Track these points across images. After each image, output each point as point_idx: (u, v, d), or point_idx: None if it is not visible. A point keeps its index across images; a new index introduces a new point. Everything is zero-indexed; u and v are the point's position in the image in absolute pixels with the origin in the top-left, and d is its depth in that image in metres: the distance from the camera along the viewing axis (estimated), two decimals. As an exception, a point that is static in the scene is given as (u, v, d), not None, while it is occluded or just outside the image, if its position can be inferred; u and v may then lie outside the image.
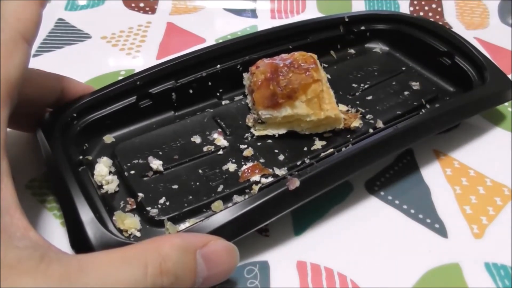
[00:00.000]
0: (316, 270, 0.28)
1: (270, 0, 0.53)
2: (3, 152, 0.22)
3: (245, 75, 0.36)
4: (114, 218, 0.28)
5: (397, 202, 0.33)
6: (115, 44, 0.46)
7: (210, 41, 0.48)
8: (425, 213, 0.32)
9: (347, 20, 0.42)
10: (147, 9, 0.51)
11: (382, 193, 0.33)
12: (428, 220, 0.31)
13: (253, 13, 0.52)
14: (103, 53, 0.45)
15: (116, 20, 0.49)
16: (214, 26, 0.50)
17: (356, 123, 0.35)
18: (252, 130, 0.34)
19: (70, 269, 0.19)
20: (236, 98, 0.38)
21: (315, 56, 0.34)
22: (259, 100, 0.33)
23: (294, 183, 0.27)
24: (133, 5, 0.51)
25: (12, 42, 0.23)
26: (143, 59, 0.45)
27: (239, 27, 0.50)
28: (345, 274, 0.28)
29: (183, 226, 0.28)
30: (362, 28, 0.44)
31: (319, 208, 0.32)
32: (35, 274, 0.18)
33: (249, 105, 0.36)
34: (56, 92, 0.31)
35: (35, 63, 0.42)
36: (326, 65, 0.41)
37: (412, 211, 0.32)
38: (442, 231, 0.31)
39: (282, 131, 0.34)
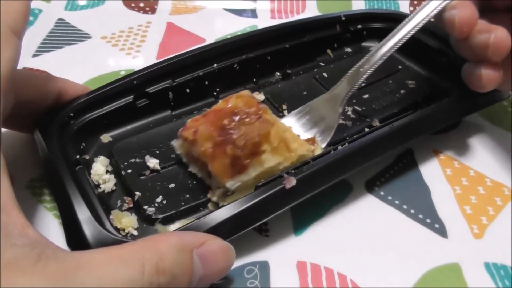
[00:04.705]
0: (316, 270, 0.28)
1: (270, 0, 0.53)
2: None
3: (175, 142, 0.31)
4: (111, 217, 0.28)
5: (397, 202, 0.32)
6: (115, 44, 0.46)
7: (210, 41, 0.47)
8: (425, 213, 0.32)
9: (343, 19, 0.42)
10: (147, 9, 0.51)
11: (382, 193, 0.33)
12: (428, 220, 0.31)
13: (253, 13, 0.52)
14: (103, 53, 0.45)
15: (116, 20, 0.49)
16: (214, 26, 0.50)
17: (318, 150, 0.32)
18: (222, 204, 0.29)
19: (67, 268, 0.19)
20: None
21: (248, 92, 0.32)
22: (222, 172, 0.28)
23: (291, 182, 0.27)
24: (133, 5, 0.51)
25: (1, 36, 0.23)
26: (143, 59, 0.45)
27: (239, 27, 0.50)
28: (345, 274, 0.28)
29: (178, 225, 0.28)
30: (359, 27, 0.43)
31: (319, 208, 0.31)
32: (32, 273, 0.18)
33: (199, 176, 0.30)
34: (53, 94, 0.31)
35: (35, 63, 0.43)
36: (323, 64, 0.41)
37: (412, 211, 0.32)
38: (442, 231, 0.31)
39: None
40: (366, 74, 0.32)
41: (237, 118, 0.28)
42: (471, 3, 0.31)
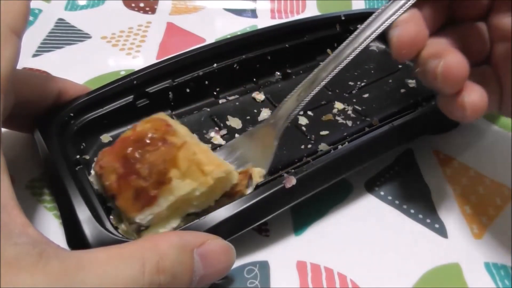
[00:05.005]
0: (316, 270, 0.28)
1: (270, 0, 0.53)
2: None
3: (92, 178, 0.29)
4: (111, 216, 0.27)
5: (397, 202, 0.32)
6: (115, 44, 0.46)
7: (210, 41, 0.47)
8: (425, 213, 0.32)
9: (343, 18, 0.42)
10: (147, 9, 0.51)
11: (382, 193, 0.33)
12: (428, 220, 0.31)
13: (253, 13, 0.52)
14: (103, 53, 0.45)
15: (116, 20, 0.49)
16: (214, 26, 0.50)
17: (258, 178, 0.28)
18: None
19: (68, 267, 0.19)
20: (233, 97, 0.37)
21: (163, 115, 0.29)
22: (128, 206, 0.25)
23: (291, 181, 0.27)
24: (133, 5, 0.51)
25: (1, 36, 0.23)
26: (143, 59, 0.45)
27: (239, 27, 0.50)
28: (345, 274, 0.28)
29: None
30: (359, 26, 0.43)
31: (319, 208, 0.31)
32: (33, 271, 0.18)
33: (114, 213, 0.28)
34: (53, 94, 0.31)
35: (35, 63, 0.43)
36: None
37: (412, 211, 0.32)
38: (442, 231, 0.31)
39: (177, 221, 0.26)
40: (302, 104, 0.29)
41: (141, 146, 0.26)
42: (420, 19, 0.26)
